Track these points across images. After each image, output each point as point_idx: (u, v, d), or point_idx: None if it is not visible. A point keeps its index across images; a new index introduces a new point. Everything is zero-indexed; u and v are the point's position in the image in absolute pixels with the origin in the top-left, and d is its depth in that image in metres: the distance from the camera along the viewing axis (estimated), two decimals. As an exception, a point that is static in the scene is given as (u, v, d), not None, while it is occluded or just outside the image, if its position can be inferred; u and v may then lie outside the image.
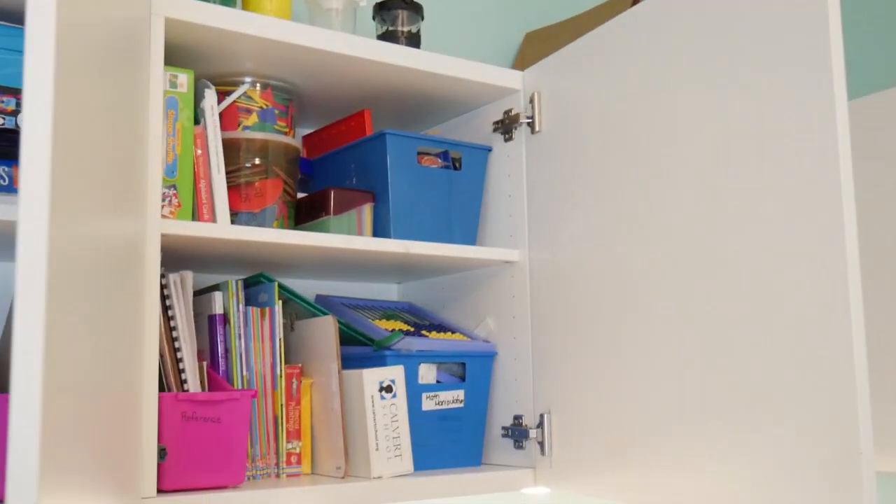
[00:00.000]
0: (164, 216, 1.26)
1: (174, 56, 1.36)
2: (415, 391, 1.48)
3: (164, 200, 1.27)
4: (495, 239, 1.60)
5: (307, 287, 1.72)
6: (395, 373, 1.40)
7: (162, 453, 1.17)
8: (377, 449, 1.37)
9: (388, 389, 1.39)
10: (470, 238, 1.59)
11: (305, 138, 1.70)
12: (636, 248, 1.32)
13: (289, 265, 1.53)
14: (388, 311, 1.68)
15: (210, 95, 1.34)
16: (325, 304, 1.61)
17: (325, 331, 1.41)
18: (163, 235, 1.21)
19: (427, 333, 1.54)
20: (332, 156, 1.61)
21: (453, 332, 1.59)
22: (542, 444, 1.47)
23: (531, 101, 1.54)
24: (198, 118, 1.35)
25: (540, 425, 1.48)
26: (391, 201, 1.49)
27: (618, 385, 1.34)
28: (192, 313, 1.31)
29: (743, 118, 1.19)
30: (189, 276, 1.32)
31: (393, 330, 1.51)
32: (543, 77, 1.53)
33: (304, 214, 1.53)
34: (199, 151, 1.33)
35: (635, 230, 1.33)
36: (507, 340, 1.55)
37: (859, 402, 1.02)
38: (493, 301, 1.60)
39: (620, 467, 1.33)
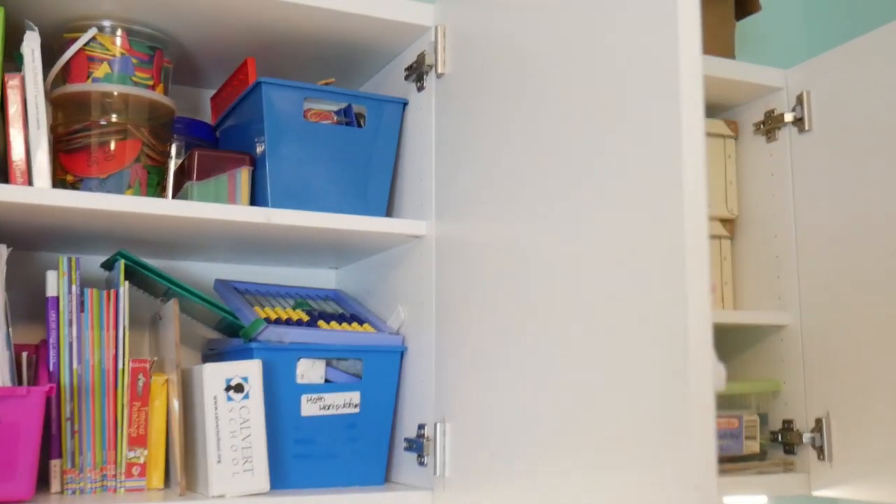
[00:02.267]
0: (-47, 178, 1.07)
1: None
2: (292, 392, 1.22)
3: (-46, 159, 1.08)
4: (409, 209, 1.32)
5: (221, 272, 1.50)
6: (247, 368, 1.15)
7: None
8: (219, 461, 1.12)
9: (238, 389, 1.14)
10: (378, 208, 1.32)
11: (212, 100, 1.48)
12: (536, 224, 1.02)
13: (157, 241, 1.31)
14: (304, 299, 1.43)
15: (31, 38, 1.14)
16: (221, 290, 1.38)
17: (168, 317, 1.19)
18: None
19: (324, 324, 1.29)
20: (224, 117, 1.38)
21: (362, 324, 1.32)
22: (435, 461, 1.18)
23: (436, 38, 1.25)
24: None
25: (434, 438, 1.19)
26: (268, 164, 1.24)
27: (514, 389, 1.04)
28: (3, 293, 1.11)
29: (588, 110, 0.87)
30: (2, 250, 1.13)
31: (267, 318, 1.26)
32: (451, 7, 1.24)
33: (177, 183, 1.31)
34: (14, 104, 1.13)
35: (536, 204, 1.02)
36: (417, 333, 1.27)
37: (694, 431, 0.70)
38: (404, 285, 1.32)
39: (520, 489, 1.03)
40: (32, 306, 1.35)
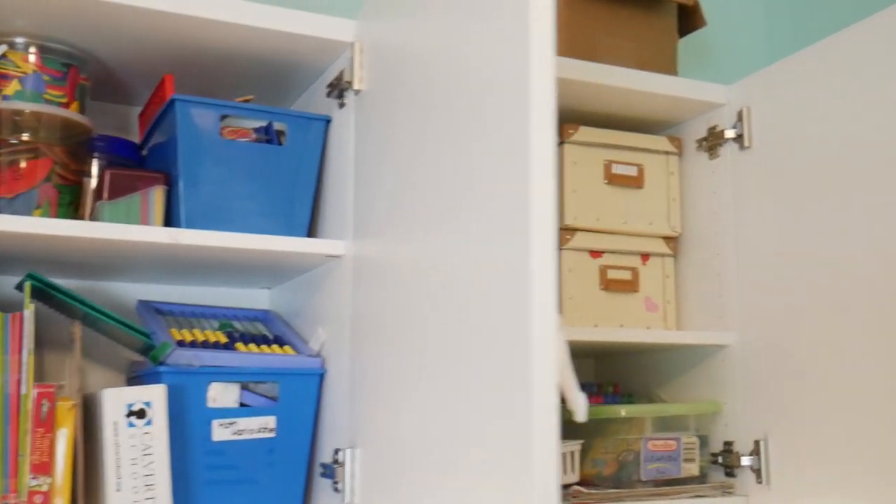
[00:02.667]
0: None
1: None
2: (203, 417, 1.19)
3: None
4: (331, 229, 1.29)
5: (153, 293, 1.47)
6: (151, 393, 1.12)
7: None
8: (118, 490, 1.09)
9: (141, 415, 1.11)
10: (300, 228, 1.29)
11: (140, 118, 1.45)
12: (431, 244, 0.98)
13: (76, 263, 1.28)
14: (229, 320, 1.40)
15: (-69, 55, 1.12)
16: (142, 311, 1.35)
17: (74, 340, 1.16)
18: None
19: (242, 346, 1.26)
20: (147, 135, 1.35)
21: (283, 346, 1.29)
22: (340, 487, 1.15)
23: (352, 54, 1.23)
24: (-79, 84, 1.13)
25: (343, 463, 1.16)
26: (181, 183, 1.21)
27: (415, 412, 1.01)
28: None
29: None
30: None
31: (182, 340, 1.23)
32: (369, 24, 1.21)
33: (94, 203, 1.28)
34: (-87, 122, 1.10)
35: (431, 223, 0.99)
36: (335, 355, 1.24)
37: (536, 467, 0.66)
38: (325, 306, 1.29)
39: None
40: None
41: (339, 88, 1.26)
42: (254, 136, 1.27)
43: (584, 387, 1.55)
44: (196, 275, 1.41)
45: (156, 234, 1.13)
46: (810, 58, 1.36)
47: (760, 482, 1.40)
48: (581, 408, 0.77)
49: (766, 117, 1.44)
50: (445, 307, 0.91)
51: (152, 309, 1.36)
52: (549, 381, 0.71)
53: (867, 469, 1.22)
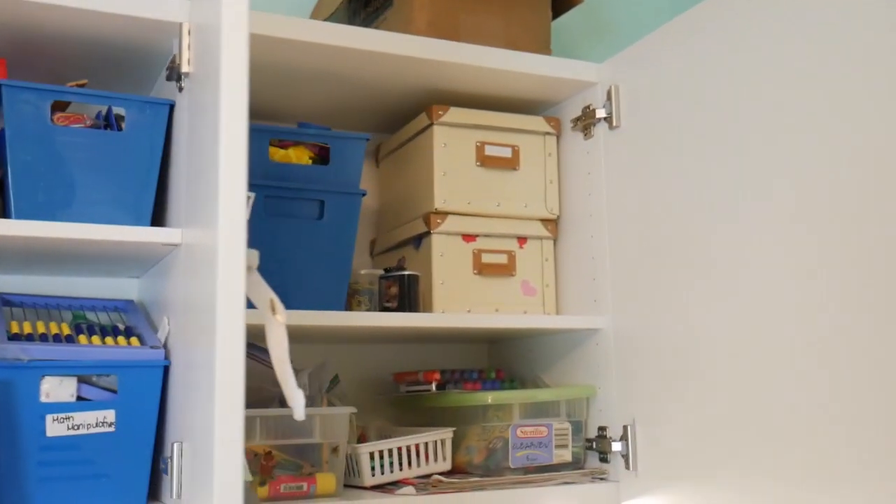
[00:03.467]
0: None
1: None
2: (36, 412, 1.15)
3: None
4: (174, 216, 1.26)
5: (18, 284, 1.43)
6: (-32, 389, 1.08)
7: None
8: (-66, 488, 1.06)
9: (-42, 411, 1.08)
10: (144, 216, 1.25)
11: (-9, 104, 1.41)
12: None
13: None
14: (84, 311, 1.37)
15: None
16: (-9, 303, 1.31)
17: None
18: None
19: (84, 339, 1.22)
20: (-10, 122, 1.31)
21: (130, 337, 1.26)
22: (171, 482, 1.12)
23: (180, 35, 1.19)
24: None
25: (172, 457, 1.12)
26: (9, 170, 1.17)
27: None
28: None
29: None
30: None
31: (17, 334, 1.19)
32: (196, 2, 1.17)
33: (-75, 192, 1.24)
34: None
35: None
36: (177, 347, 1.21)
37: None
38: (170, 296, 1.25)
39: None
40: None
41: (175, 71, 1.22)
42: (88, 121, 1.23)
43: (466, 373, 1.53)
44: (51, 265, 1.37)
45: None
46: (672, 33, 1.33)
47: (628, 468, 1.38)
48: (298, 406, 0.73)
49: (633, 95, 1.41)
50: (199, 296, 0.87)
51: (1, 301, 1.32)
52: (235, 378, 0.68)
53: (730, 455, 1.20)
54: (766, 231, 1.16)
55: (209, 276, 0.77)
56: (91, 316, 1.35)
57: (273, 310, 0.73)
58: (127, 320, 1.36)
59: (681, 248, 1.30)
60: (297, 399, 0.73)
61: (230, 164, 0.71)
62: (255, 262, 0.78)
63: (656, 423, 1.34)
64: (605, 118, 1.46)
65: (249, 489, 0.94)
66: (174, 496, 1.10)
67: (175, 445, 1.11)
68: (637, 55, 1.41)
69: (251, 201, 1.00)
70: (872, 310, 1.02)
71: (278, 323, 0.67)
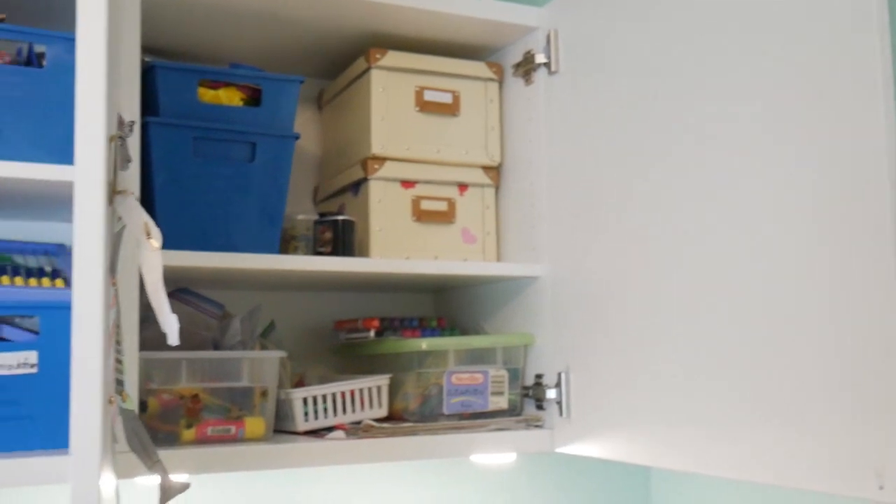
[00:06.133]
0: None
1: None
2: (-47, 353, 1.14)
3: None
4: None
5: None
6: None
7: None
8: None
9: None
10: (67, 154, 1.22)
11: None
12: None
13: None
14: (9, 253, 1.34)
15: None
16: (-86, 245, 1.29)
17: None
18: None
19: (6, 279, 1.20)
20: None
21: (55, 279, 1.24)
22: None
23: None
24: None
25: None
26: (-78, 107, 1.14)
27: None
28: None
29: None
30: None
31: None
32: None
33: None
34: None
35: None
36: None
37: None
38: (92, 237, 1.23)
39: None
40: None
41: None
42: (9, 58, 1.20)
43: (406, 321, 1.52)
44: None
45: None
46: (610, -24, 1.31)
47: (562, 415, 1.38)
48: (172, 332, 0.72)
49: (572, 40, 1.39)
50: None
51: (-75, 242, 1.30)
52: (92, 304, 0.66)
53: (660, 401, 1.20)
54: (701, 177, 1.15)
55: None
56: (18, 258, 1.33)
57: (147, 234, 0.72)
58: (56, 263, 1.34)
59: (615, 195, 1.29)
60: (171, 325, 0.71)
61: (84, 93, 0.69)
62: (133, 187, 0.76)
63: (589, 371, 1.34)
64: (544, 63, 1.44)
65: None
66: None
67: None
68: (573, 0, 1.38)
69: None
70: (806, 243, 1.01)
71: (152, 247, 0.65)
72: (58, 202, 1.29)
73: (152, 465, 0.79)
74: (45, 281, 1.23)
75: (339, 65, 1.58)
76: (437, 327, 1.57)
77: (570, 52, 1.40)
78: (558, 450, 1.39)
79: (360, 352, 1.52)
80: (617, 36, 1.30)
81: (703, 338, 1.14)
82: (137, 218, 0.77)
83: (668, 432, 1.19)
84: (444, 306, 1.72)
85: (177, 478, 0.81)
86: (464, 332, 1.63)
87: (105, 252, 0.69)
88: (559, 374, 1.39)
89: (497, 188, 1.55)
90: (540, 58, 1.44)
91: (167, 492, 0.78)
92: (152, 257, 0.68)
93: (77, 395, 0.66)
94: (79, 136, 0.71)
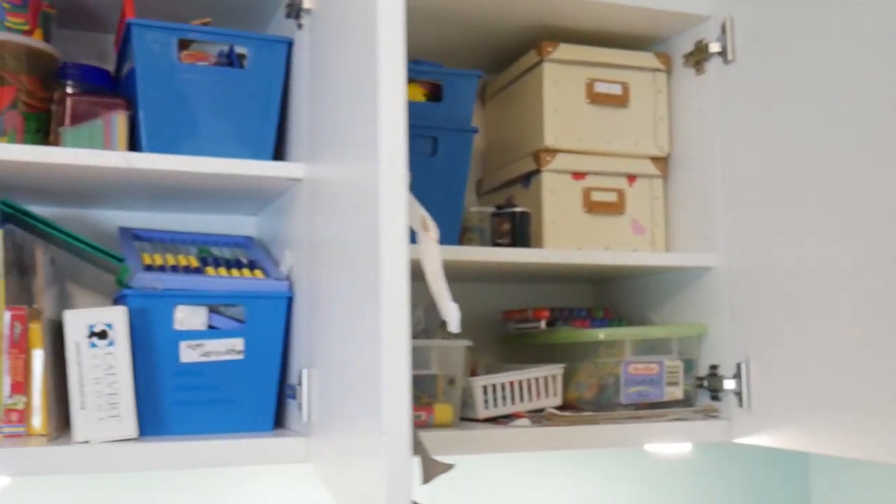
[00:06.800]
0: None
1: None
2: (170, 338, 1.21)
3: None
4: (295, 152, 1.29)
5: (141, 220, 1.49)
6: (112, 315, 1.14)
7: None
8: (82, 407, 1.12)
9: (102, 335, 1.13)
10: (265, 151, 1.28)
11: (115, 45, 1.45)
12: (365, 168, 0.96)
13: (46, 189, 1.30)
14: (207, 246, 1.42)
15: None
16: (121, 238, 1.37)
17: (37, 264, 1.18)
18: None
19: (212, 270, 1.27)
20: (118, 62, 1.36)
21: (253, 270, 1.30)
22: (302, 407, 1.16)
23: (302, -29, 1.20)
24: None
25: (301, 384, 1.16)
26: (140, 107, 1.22)
27: (363, 336, 1.00)
28: None
29: None
30: None
31: (150, 265, 1.24)
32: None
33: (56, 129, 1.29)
34: None
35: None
36: (299, 279, 1.25)
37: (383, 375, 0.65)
38: (291, 230, 1.29)
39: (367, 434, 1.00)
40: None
41: (295, 8, 1.24)
42: (214, 59, 1.26)
43: (575, 311, 1.54)
44: (177, 202, 1.42)
45: (109, 159, 1.14)
46: (795, -38, 1.29)
47: (742, 405, 1.37)
48: (453, 318, 0.75)
49: (750, 28, 1.38)
50: (345, 229, 0.90)
51: (130, 235, 1.38)
52: (399, 295, 0.69)
53: (847, 392, 1.19)
54: (884, 166, 1.13)
55: (367, 208, 0.79)
56: (215, 250, 1.40)
57: (425, 227, 0.75)
58: (248, 255, 1.40)
59: (796, 185, 1.28)
60: (452, 313, 0.74)
61: (389, 96, 0.72)
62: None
63: (772, 361, 1.33)
64: (718, 52, 1.43)
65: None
66: (305, 419, 1.14)
67: (304, 372, 1.15)
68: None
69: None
70: None
71: (431, 239, 0.68)
72: (251, 195, 1.35)
73: (413, 445, 0.83)
74: (246, 272, 1.29)
75: (504, 58, 1.61)
76: (603, 317, 1.58)
77: (746, 40, 1.39)
78: (737, 440, 1.39)
79: (530, 341, 1.54)
80: (796, 24, 1.29)
81: (891, 327, 1.12)
82: (416, 212, 0.81)
83: (861, 424, 1.18)
84: (604, 296, 1.73)
85: (442, 458, 0.85)
86: (629, 321, 1.63)
87: (406, 242, 0.72)
88: (738, 365, 1.38)
89: (665, 179, 1.55)
90: (714, 47, 1.43)
91: (430, 472, 0.82)
92: (432, 249, 0.71)
93: (387, 375, 0.69)
94: (382, 132, 0.74)
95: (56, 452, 1.08)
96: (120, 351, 1.14)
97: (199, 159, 1.17)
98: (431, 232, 0.77)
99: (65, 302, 1.44)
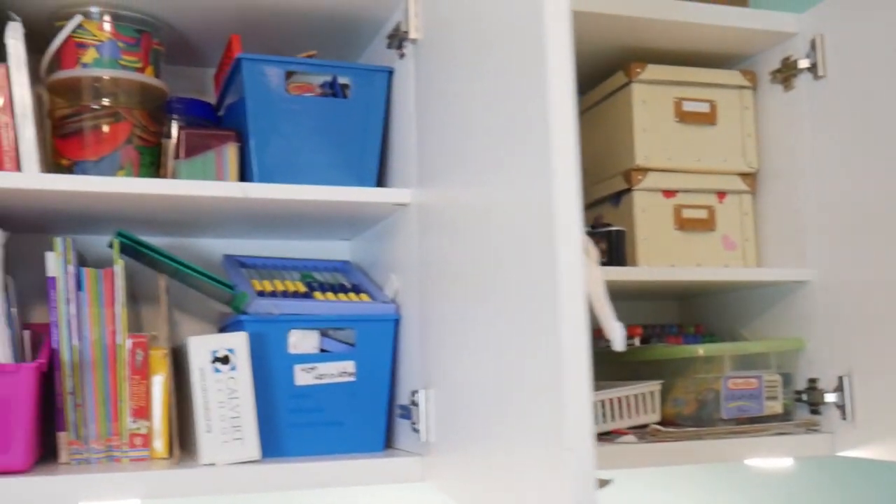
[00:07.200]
0: (-56, 167, 1.12)
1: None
2: (285, 362, 1.24)
3: (-55, 149, 1.13)
4: (397, 178, 1.32)
5: (239, 247, 1.53)
6: (233, 341, 1.17)
7: None
8: (208, 431, 1.15)
9: (225, 361, 1.17)
10: (369, 179, 1.32)
11: (214, 79, 1.50)
12: (486, 189, 0.99)
13: (165, 221, 1.34)
14: (310, 271, 1.45)
15: (13, 29, 1.18)
16: (227, 265, 1.41)
17: (160, 292, 1.22)
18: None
19: (320, 295, 1.30)
20: (221, 96, 1.40)
21: (359, 294, 1.33)
22: (418, 427, 1.18)
23: (407, 4, 1.24)
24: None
25: (416, 404, 1.19)
26: (251, 139, 1.26)
27: (478, 359, 1.03)
28: (2, 275, 1.17)
29: None
30: (-1, 234, 1.18)
31: (262, 291, 1.28)
32: (425, -29, 1.22)
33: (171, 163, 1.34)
34: (1, 94, 1.17)
35: (486, 171, 1.00)
36: (407, 301, 1.27)
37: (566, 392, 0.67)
38: (396, 254, 1.32)
39: (494, 453, 1.02)
40: (43, 288, 1.41)
41: (397, 39, 1.27)
42: (319, 90, 1.30)
43: (666, 328, 1.55)
44: (277, 229, 1.46)
45: (227, 189, 1.18)
46: (887, -23, 1.31)
47: (845, 419, 1.37)
48: (618, 337, 0.77)
49: (840, 44, 1.39)
50: (490, 251, 0.92)
51: (236, 263, 1.42)
52: (578, 310, 0.71)
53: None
54: None
55: (527, 229, 0.81)
56: (317, 275, 1.43)
57: (587, 252, 0.77)
58: (349, 279, 1.44)
59: (894, 197, 1.28)
60: (616, 331, 0.77)
61: (560, 119, 0.75)
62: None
63: (874, 373, 1.33)
64: (808, 68, 1.44)
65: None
66: (424, 439, 1.17)
67: (421, 393, 1.18)
68: (842, 4, 1.38)
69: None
70: None
71: (593, 262, 0.71)
72: (353, 221, 1.39)
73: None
74: (352, 295, 1.32)
75: (590, 79, 1.63)
76: (695, 333, 1.59)
77: (836, 56, 1.40)
78: (841, 453, 1.38)
79: (623, 358, 1.55)
80: (887, 39, 1.29)
81: None
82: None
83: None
84: (691, 312, 1.73)
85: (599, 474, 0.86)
86: (721, 337, 1.64)
87: (581, 262, 0.74)
88: (840, 378, 1.38)
89: (753, 194, 1.56)
90: (803, 63, 1.44)
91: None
92: (594, 270, 0.74)
93: (570, 391, 0.71)
94: (554, 154, 0.76)
95: (184, 475, 1.11)
96: (242, 375, 1.17)
97: (312, 188, 1.21)
98: (592, 255, 0.80)
99: (171, 328, 1.48)
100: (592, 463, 0.69)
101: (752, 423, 1.42)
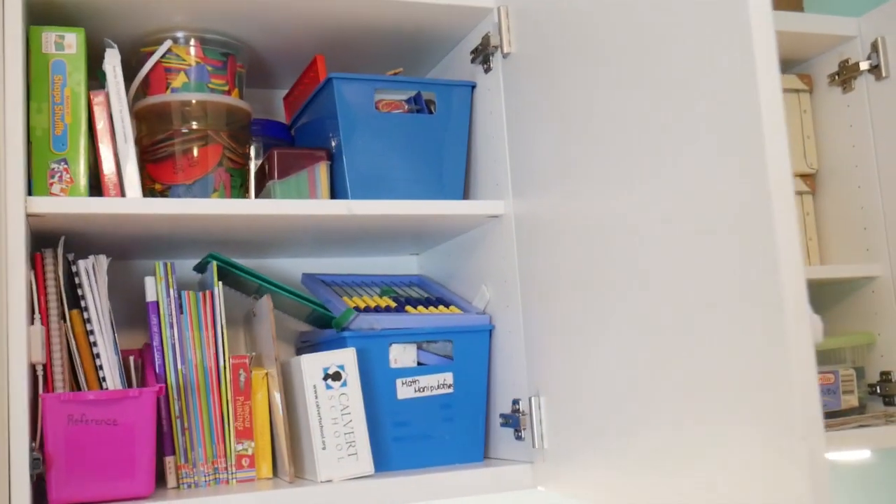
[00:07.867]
0: (53, 194, 1.12)
1: (67, 14, 1.22)
2: (387, 377, 1.25)
3: (52, 177, 1.13)
4: (485, 190, 1.34)
5: (306, 266, 1.54)
6: (343, 357, 1.18)
7: (36, 463, 1.03)
8: (324, 448, 1.16)
9: (336, 377, 1.18)
10: (456, 192, 1.33)
11: (285, 100, 1.51)
12: (624, 197, 1.01)
13: (246, 241, 1.35)
14: (389, 286, 1.46)
15: (111, 55, 1.19)
16: (309, 283, 1.42)
17: (263, 313, 1.23)
18: (38, 216, 1.07)
19: (412, 309, 1.31)
20: (299, 115, 1.41)
21: (448, 306, 1.35)
22: (532, 434, 1.20)
23: (499, 19, 1.26)
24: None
25: (529, 412, 1.20)
26: (345, 156, 1.27)
27: (605, 361, 1.05)
28: (107, 302, 1.17)
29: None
30: (102, 260, 1.18)
31: (357, 307, 1.29)
32: (513, -14, 1.24)
33: (258, 183, 1.35)
34: (101, 120, 1.18)
35: (623, 174, 1.02)
36: (503, 311, 1.29)
37: (796, 386, 0.69)
38: (487, 265, 1.33)
39: (612, 466, 1.04)
40: (131, 312, 1.41)
41: (484, 53, 1.29)
42: (405, 107, 1.32)
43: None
44: (353, 246, 1.47)
45: (333, 207, 1.19)
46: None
47: (924, 408, 1.41)
48: (819, 330, 0.79)
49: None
50: (650, 257, 0.94)
51: (318, 281, 1.42)
52: (802, 317, 0.74)
53: None
54: None
55: (728, 244, 0.83)
56: (398, 290, 1.45)
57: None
58: (429, 292, 1.45)
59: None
60: (814, 325, 0.79)
61: (772, 124, 0.77)
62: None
63: (953, 363, 1.36)
64: (869, 70, 1.48)
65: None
66: (537, 445, 1.18)
67: (531, 400, 1.19)
68: (902, 5, 1.43)
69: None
70: None
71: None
72: (427, 236, 1.40)
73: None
74: (443, 308, 1.33)
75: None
76: (761, 333, 1.62)
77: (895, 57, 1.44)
78: (922, 444, 1.42)
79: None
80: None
81: None
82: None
83: None
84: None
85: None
86: (783, 336, 1.67)
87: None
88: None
89: (814, 194, 1.59)
90: (864, 65, 1.48)
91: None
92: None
93: (800, 379, 0.73)
94: (772, 170, 0.78)
95: (303, 493, 1.12)
96: (352, 391, 1.18)
97: (411, 202, 1.22)
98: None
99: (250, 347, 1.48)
100: (824, 450, 0.72)
101: (830, 417, 1.45)
